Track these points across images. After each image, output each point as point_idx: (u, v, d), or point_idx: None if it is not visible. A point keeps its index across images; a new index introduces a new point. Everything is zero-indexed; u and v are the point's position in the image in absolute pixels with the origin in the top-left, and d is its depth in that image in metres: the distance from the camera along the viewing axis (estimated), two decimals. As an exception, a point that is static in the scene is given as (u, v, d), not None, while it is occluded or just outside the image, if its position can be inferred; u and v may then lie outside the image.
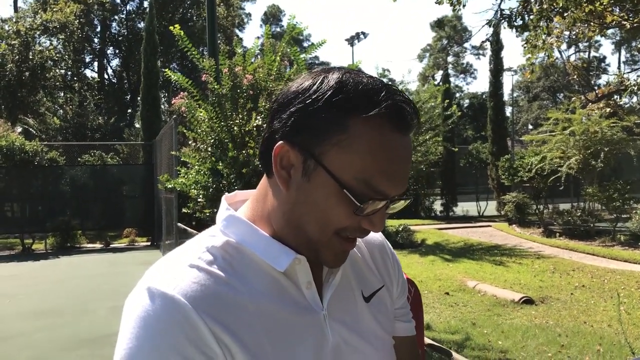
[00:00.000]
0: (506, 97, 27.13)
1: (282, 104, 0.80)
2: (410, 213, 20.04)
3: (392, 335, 0.98)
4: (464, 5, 5.38)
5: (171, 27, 7.44)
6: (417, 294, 1.98)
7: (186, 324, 0.71)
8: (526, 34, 5.41)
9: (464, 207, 21.25)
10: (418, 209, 20.97)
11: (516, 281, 8.59)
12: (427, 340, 2.05)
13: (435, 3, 5.61)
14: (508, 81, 59.01)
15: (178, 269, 0.77)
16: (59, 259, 13.50)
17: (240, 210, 0.89)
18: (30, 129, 26.17)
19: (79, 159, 19.85)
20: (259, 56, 7.69)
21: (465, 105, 52.02)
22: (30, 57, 30.89)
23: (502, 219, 17.95)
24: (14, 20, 33.71)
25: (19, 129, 25.81)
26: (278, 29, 56.94)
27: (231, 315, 0.75)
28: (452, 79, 57.22)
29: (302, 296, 0.83)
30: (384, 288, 0.98)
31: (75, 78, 34.82)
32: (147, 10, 19.37)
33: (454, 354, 1.98)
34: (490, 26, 5.92)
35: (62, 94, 32.48)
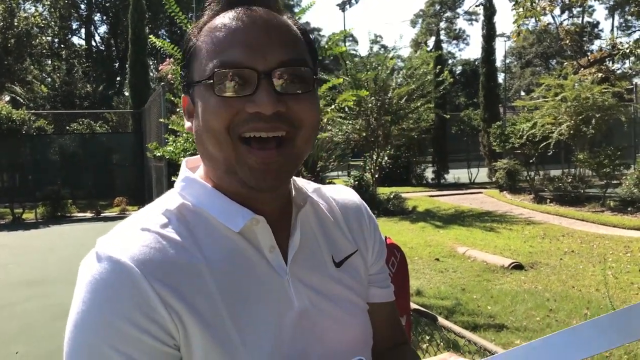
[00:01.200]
0: (499, 64, 26.97)
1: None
2: (402, 180, 20.09)
3: (368, 301, 0.95)
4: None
5: (158, -7, 7.28)
6: (403, 260, 1.97)
7: (133, 288, 0.69)
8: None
9: (455, 175, 21.29)
10: (409, 177, 21.01)
11: (506, 247, 8.65)
12: (414, 306, 2.04)
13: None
14: (501, 47, 58.51)
15: (129, 233, 0.75)
16: (50, 228, 13.47)
17: (197, 172, 0.86)
18: (18, 98, 25.79)
19: (68, 128, 19.70)
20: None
21: (458, 72, 51.75)
22: (15, 23, 30.28)
23: (493, 186, 18.03)
24: (-2, -15, 32.95)
25: (7, 98, 25.47)
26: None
27: (183, 280, 0.72)
28: (444, 45, 56.72)
29: (263, 259, 0.80)
30: (358, 253, 0.94)
31: (62, 45, 34.26)
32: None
33: (439, 319, 1.97)
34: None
35: (50, 62, 31.99)
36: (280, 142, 0.76)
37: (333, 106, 7.85)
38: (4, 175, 16.41)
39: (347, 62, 14.10)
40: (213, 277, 0.75)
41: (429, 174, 21.73)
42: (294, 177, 0.90)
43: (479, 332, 4.93)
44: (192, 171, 0.87)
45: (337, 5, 37.98)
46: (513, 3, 5.44)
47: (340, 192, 1.01)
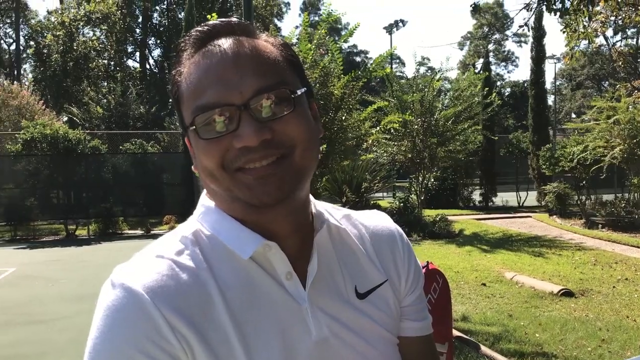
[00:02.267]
0: (549, 86, 26.47)
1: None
2: (449, 203, 19.83)
3: (400, 335, 0.92)
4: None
5: (208, 16, 7.51)
6: (446, 285, 1.95)
7: (144, 315, 0.70)
8: (567, 18, 5.25)
9: (503, 198, 20.87)
10: (456, 199, 20.70)
11: (555, 273, 8.41)
12: (457, 333, 2.01)
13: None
14: (551, 69, 57.28)
15: (144, 260, 0.77)
16: (101, 245, 13.86)
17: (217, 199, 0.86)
18: (74, 118, 26.84)
19: (121, 147, 20.30)
20: (296, 45, 7.70)
21: (507, 93, 50.99)
22: (75, 47, 31.69)
23: (542, 210, 17.56)
24: (59, 11, 34.60)
25: (64, 118, 26.52)
26: (317, 18, 56.79)
27: (194, 308, 0.73)
28: (493, 67, 56.17)
29: (280, 287, 0.79)
30: (387, 283, 0.90)
31: (117, 68, 35.55)
32: (187, 0, 19.57)
33: (482, 347, 1.94)
34: (528, 10, 5.76)
35: (105, 84, 33.23)
36: (277, 163, 0.76)
37: (378, 128, 7.90)
38: (59, 192, 17.04)
39: (393, 83, 14.12)
40: (225, 304, 0.75)
41: (477, 196, 21.36)
42: (315, 201, 0.89)
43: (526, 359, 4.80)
44: (211, 199, 0.87)
45: (384, 28, 38.11)
46: (563, 26, 5.36)
47: (372, 218, 0.98)
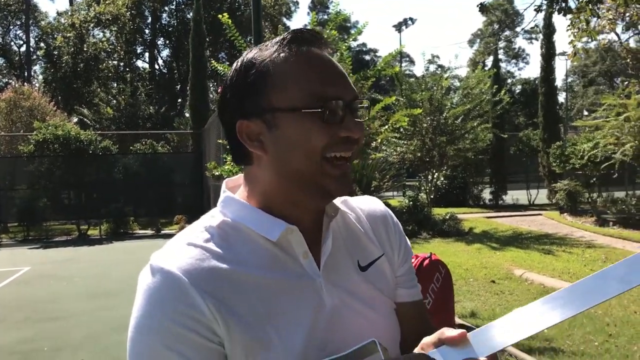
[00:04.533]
0: (560, 83, 26.35)
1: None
2: (459, 201, 19.81)
3: (395, 301, 1.03)
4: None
5: (220, 16, 7.59)
6: (448, 275, 2.00)
7: (182, 294, 0.80)
8: (572, 16, 5.26)
9: (513, 196, 20.82)
10: (466, 197, 20.66)
11: (565, 270, 8.42)
12: (458, 321, 2.07)
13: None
14: (562, 66, 57.12)
15: (178, 248, 0.87)
16: (113, 244, 14.03)
17: (237, 192, 0.97)
18: (85, 119, 27.07)
19: (131, 148, 20.44)
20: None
21: (517, 91, 50.80)
22: (85, 49, 31.91)
23: (553, 208, 17.52)
24: (69, 13, 34.86)
25: (75, 119, 26.74)
26: (325, 17, 56.80)
27: (224, 286, 0.83)
28: (503, 65, 55.97)
29: (298, 265, 0.90)
30: (384, 257, 1.02)
31: (127, 69, 35.76)
32: (195, 0, 19.70)
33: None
34: (537, 11, 5.79)
35: (115, 85, 33.45)
36: (348, 160, 0.90)
37: (387, 126, 7.93)
38: (71, 193, 17.23)
39: (402, 82, 14.14)
40: (251, 282, 0.85)
41: (487, 195, 21.32)
42: None
43: (534, 355, 4.83)
44: (232, 191, 0.98)
45: (393, 26, 38.11)
46: (568, 24, 5.37)
47: (366, 202, 1.10)
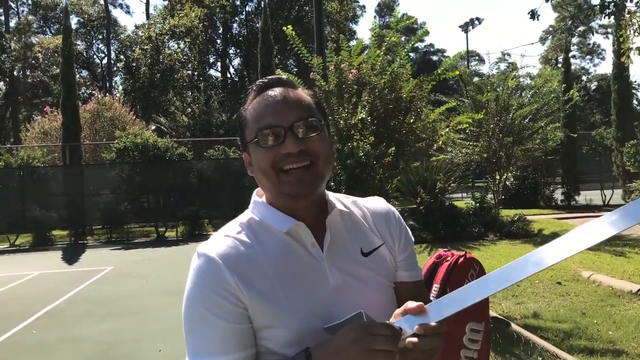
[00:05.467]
0: (636, 79, 25.16)
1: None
2: (529, 202, 19.32)
3: (396, 281, 1.28)
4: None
5: (284, 28, 7.95)
6: (482, 272, 2.21)
7: (218, 274, 1.11)
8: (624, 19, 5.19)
9: (587, 196, 20.07)
10: (537, 199, 20.11)
11: (636, 272, 8.20)
12: (492, 314, 2.25)
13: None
14: (638, 61, 54.26)
15: (218, 238, 1.19)
16: (188, 245, 14.67)
17: (262, 197, 1.27)
18: (162, 127, 28.26)
19: (205, 154, 21.19)
20: (366, 52, 7.97)
21: (593, 88, 48.81)
22: (161, 60, 33.34)
23: (629, 209, 16.82)
24: (146, 26, 36.49)
25: (152, 127, 28.00)
26: (392, 19, 56.51)
27: (250, 268, 1.13)
28: (577, 61, 53.88)
29: (308, 252, 1.18)
30: (384, 246, 1.28)
31: (200, 78, 37.03)
32: (263, 11, 20.33)
33: (513, 325, 2.17)
34: (601, 13, 5.70)
35: (190, 93, 34.65)
36: (307, 168, 1.14)
37: (448, 129, 8.03)
38: (150, 197, 18.11)
39: (467, 84, 14.07)
40: (270, 263, 1.14)
41: (559, 195, 20.69)
42: (328, 193, 1.27)
43: (595, 356, 4.81)
44: (259, 196, 1.27)
45: (460, 26, 37.60)
46: (616, 28, 5.30)
47: (372, 202, 1.36)
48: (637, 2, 4.78)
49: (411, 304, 1.05)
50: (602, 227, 0.97)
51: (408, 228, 1.37)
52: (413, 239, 1.37)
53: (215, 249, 1.14)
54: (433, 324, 1.01)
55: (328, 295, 1.15)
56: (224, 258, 1.12)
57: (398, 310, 1.06)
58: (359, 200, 1.35)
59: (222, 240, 1.17)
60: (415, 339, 1.01)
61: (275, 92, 1.19)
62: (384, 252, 1.27)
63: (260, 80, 1.24)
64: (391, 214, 1.34)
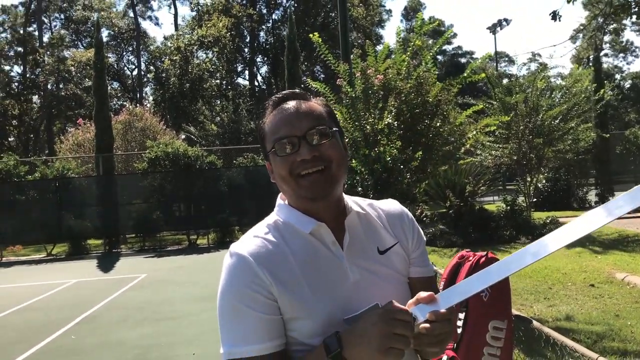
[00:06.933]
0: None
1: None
2: (562, 204, 19.04)
3: (410, 276, 1.39)
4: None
5: (310, 35, 8.06)
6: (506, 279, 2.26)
7: (250, 269, 1.21)
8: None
9: (621, 197, 19.67)
10: (570, 200, 19.80)
11: (673, 274, 8.05)
12: (515, 312, 2.29)
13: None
14: (677, 57, 52.96)
15: (247, 238, 1.30)
16: (219, 252, 14.87)
17: (286, 200, 1.38)
18: (192, 136, 28.65)
19: (234, 162, 21.39)
20: (392, 57, 8.02)
21: (627, 86, 47.82)
22: (190, 70, 33.85)
23: (666, 209, 16.45)
24: (175, 37, 37.12)
25: (183, 136, 28.43)
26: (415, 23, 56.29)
27: (277, 265, 1.23)
28: (610, 59, 52.87)
29: (329, 251, 1.28)
30: (398, 244, 1.39)
31: (229, 87, 37.47)
32: (289, 19, 20.53)
33: (534, 322, 2.20)
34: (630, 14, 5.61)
35: (218, 102, 35.05)
36: (322, 172, 1.26)
37: (475, 132, 8.01)
38: (181, 205, 18.40)
39: (495, 86, 13.98)
40: (295, 261, 1.24)
41: (592, 197, 20.32)
42: (346, 197, 1.38)
43: (629, 358, 4.77)
44: (283, 200, 1.38)
45: (487, 28, 37.30)
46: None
47: (387, 204, 1.48)
48: None
49: (423, 294, 1.13)
50: (601, 214, 1.06)
51: (420, 228, 1.47)
52: (425, 239, 1.48)
53: (246, 247, 1.25)
54: (443, 310, 1.11)
55: (348, 290, 1.25)
56: (254, 256, 1.22)
57: (411, 300, 1.15)
58: (374, 202, 1.46)
59: (252, 240, 1.28)
60: (427, 325, 1.10)
61: (289, 105, 1.31)
62: (398, 250, 1.38)
63: (275, 95, 1.37)
64: (404, 215, 1.46)
